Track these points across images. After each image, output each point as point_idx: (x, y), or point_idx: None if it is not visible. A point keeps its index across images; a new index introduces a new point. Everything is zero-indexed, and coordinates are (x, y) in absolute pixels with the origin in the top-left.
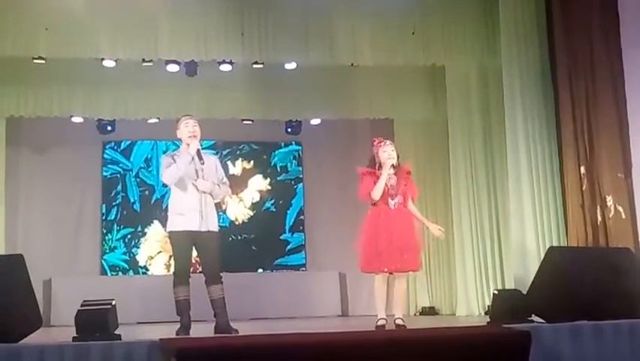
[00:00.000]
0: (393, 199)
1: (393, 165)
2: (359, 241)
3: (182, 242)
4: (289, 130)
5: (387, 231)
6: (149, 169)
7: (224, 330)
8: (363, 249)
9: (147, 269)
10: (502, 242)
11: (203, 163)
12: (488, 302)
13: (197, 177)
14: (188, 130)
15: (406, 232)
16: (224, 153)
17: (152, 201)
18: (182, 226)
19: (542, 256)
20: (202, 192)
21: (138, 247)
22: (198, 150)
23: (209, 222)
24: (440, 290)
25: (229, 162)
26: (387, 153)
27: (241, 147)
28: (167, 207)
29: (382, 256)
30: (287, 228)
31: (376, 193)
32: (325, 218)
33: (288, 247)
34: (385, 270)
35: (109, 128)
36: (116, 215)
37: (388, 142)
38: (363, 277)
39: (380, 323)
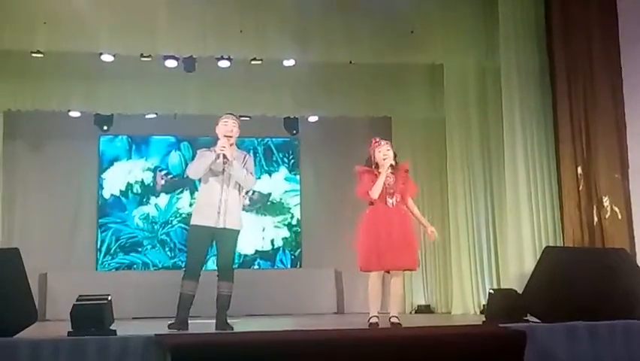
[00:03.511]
0: (391, 198)
1: (391, 165)
2: (358, 241)
3: (198, 237)
4: (287, 127)
5: (387, 230)
6: (148, 164)
7: (219, 327)
8: (364, 248)
9: (144, 265)
10: (498, 241)
11: (226, 162)
12: (484, 301)
13: (224, 173)
14: (226, 129)
15: (405, 230)
16: None
17: None
18: (200, 221)
19: (538, 256)
20: (224, 189)
21: None
22: (224, 154)
23: (227, 220)
24: (436, 289)
25: None
26: (382, 153)
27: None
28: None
29: (383, 254)
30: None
31: (375, 192)
32: (322, 215)
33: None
34: (385, 268)
35: (105, 128)
36: None
37: (384, 142)
38: (359, 274)
39: (373, 320)
